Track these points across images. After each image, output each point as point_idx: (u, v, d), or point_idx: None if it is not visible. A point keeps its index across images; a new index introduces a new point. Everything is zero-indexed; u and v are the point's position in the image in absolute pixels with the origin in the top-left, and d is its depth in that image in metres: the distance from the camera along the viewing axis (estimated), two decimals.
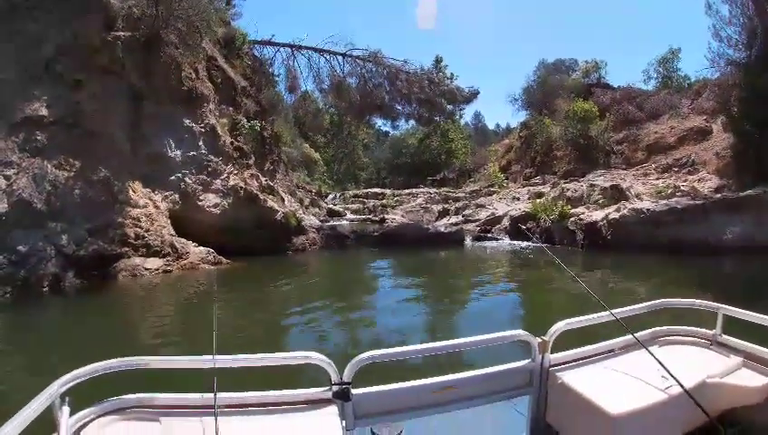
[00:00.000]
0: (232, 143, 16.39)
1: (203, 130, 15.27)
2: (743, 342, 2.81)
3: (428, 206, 30.16)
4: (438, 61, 57.66)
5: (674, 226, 13.57)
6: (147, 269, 12.06)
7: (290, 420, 2.14)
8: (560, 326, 2.64)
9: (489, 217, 20.09)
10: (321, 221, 27.83)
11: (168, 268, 12.43)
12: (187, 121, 14.92)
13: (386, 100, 24.84)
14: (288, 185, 31.79)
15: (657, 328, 3.12)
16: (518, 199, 23.87)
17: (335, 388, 2.21)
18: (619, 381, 2.55)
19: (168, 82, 14.36)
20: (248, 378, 2.81)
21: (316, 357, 2.21)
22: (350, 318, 9.25)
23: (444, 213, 25.66)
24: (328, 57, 24.77)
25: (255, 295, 11.17)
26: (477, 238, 18.35)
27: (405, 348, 2.38)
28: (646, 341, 2.92)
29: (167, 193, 14.06)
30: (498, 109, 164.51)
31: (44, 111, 11.60)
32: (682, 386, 2.06)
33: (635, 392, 2.40)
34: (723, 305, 2.90)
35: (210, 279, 12.41)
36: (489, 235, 18.71)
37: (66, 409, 1.87)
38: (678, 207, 13.85)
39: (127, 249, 12.19)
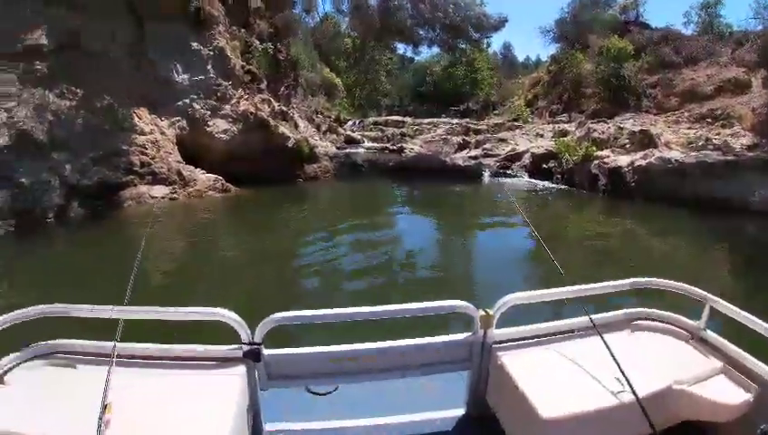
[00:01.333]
0: (243, 67, 15.86)
1: (212, 53, 14.76)
2: (728, 343, 2.32)
3: (449, 137, 29.43)
4: None
5: (700, 180, 12.84)
6: (153, 197, 11.87)
7: (196, 376, 2.02)
8: (508, 299, 2.28)
9: (510, 153, 19.40)
10: (337, 148, 27.37)
11: (175, 196, 12.24)
12: (195, 44, 14.39)
13: (408, 23, 23.69)
14: (305, 110, 31.14)
15: (630, 309, 2.65)
16: (542, 136, 23.02)
17: (245, 347, 2.06)
18: (565, 372, 2.19)
19: (174, 2, 13.72)
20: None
21: (225, 315, 2.02)
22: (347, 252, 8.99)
23: (464, 145, 24.94)
24: None
25: (258, 223, 11.07)
26: (496, 174, 17.82)
27: (324, 311, 2.12)
28: (611, 324, 2.54)
29: (173, 119, 13.73)
30: (529, 41, 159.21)
31: (44, 40, 11.21)
32: (634, 393, 1.74)
33: (580, 390, 2.04)
34: (710, 296, 2.38)
35: (217, 206, 12.11)
36: (508, 171, 18.07)
37: None
38: (708, 160, 13.05)
39: (132, 177, 11.99)
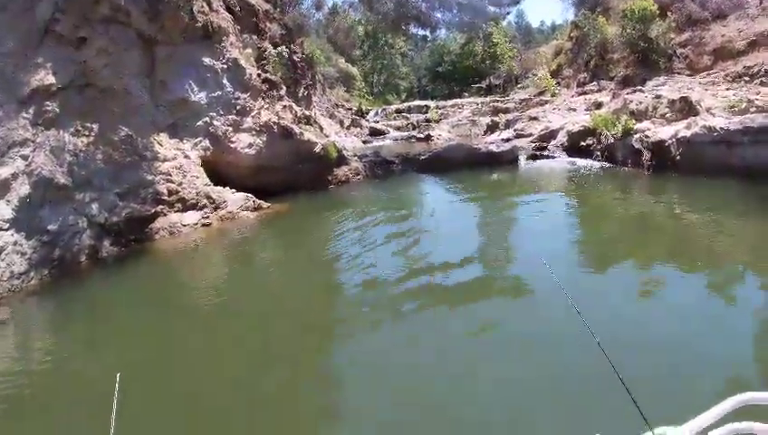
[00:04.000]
0: (259, 75, 15.42)
1: (226, 66, 14.34)
2: None
3: (476, 118, 28.93)
4: None
5: (748, 147, 12.09)
6: (185, 225, 11.57)
7: None
8: None
9: (543, 132, 18.76)
10: (363, 142, 26.98)
11: (207, 221, 11.91)
12: (207, 60, 13.97)
13: (423, 8, 22.99)
14: (326, 107, 30.84)
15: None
16: (574, 111, 22.26)
17: None
18: None
19: (179, 21, 13.28)
20: None
21: None
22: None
23: (493, 126, 24.38)
24: None
25: (297, 242, 10.84)
26: (532, 157, 17.19)
27: None
28: None
29: (195, 140, 13.36)
30: (542, 4, 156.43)
31: (51, 79, 10.76)
32: None
33: None
34: None
35: (251, 227, 11.81)
36: (545, 151, 17.49)
37: None
38: (753, 125, 12.26)
39: (162, 207, 11.68)
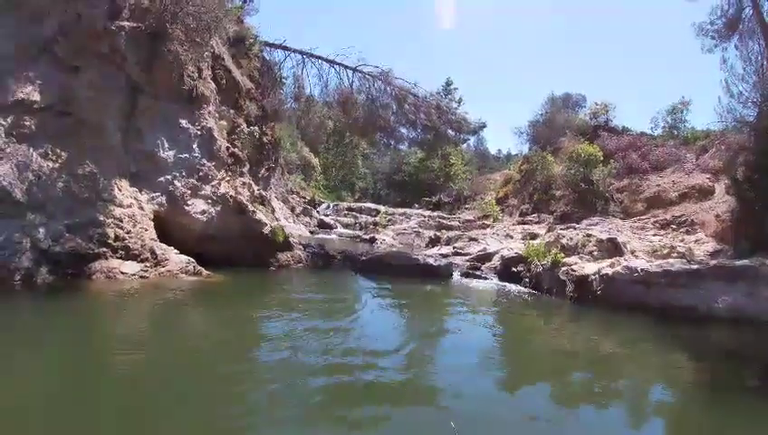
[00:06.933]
0: (228, 148, 16.01)
1: (199, 132, 14.89)
2: None
3: (420, 230, 29.95)
4: (449, 84, 58.22)
5: (665, 288, 13.14)
6: (123, 273, 11.63)
7: None
8: None
9: (480, 253, 19.67)
10: (310, 232, 27.58)
11: (145, 275, 11.99)
12: (184, 122, 14.52)
13: (391, 121, 24.44)
14: (282, 190, 31.63)
15: None
16: (511, 238, 23.52)
17: None
18: None
19: (169, 80, 13.92)
20: None
21: None
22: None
23: (435, 241, 25.36)
24: (338, 69, 24.36)
25: (225, 316, 10.85)
26: (466, 274, 17.89)
27: None
28: None
29: (153, 194, 13.65)
30: (502, 136, 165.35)
31: (36, 96, 11.15)
32: None
33: None
34: None
35: (186, 291, 11.94)
36: (478, 271, 18.27)
37: None
38: (672, 269, 13.39)
39: (105, 250, 11.77)
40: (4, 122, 10.64)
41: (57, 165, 11.31)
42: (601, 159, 27.30)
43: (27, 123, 10.94)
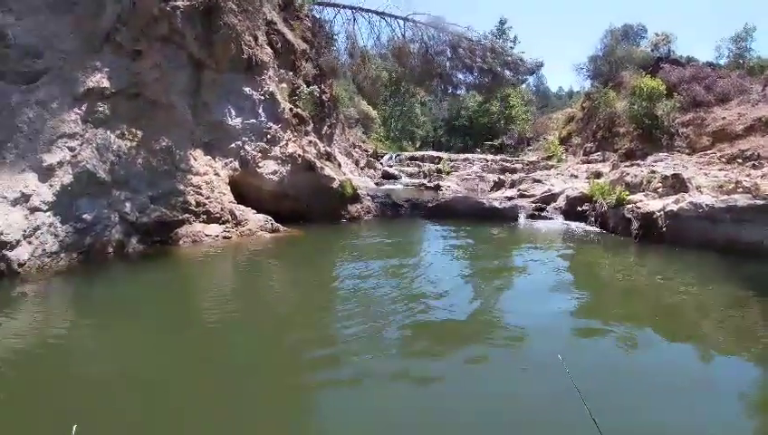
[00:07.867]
0: (291, 110, 16.52)
1: (263, 97, 15.46)
2: None
3: (484, 175, 30.13)
4: (502, 23, 56.75)
5: (731, 224, 13.10)
6: (207, 235, 12.47)
7: None
8: None
9: (545, 195, 19.80)
10: (375, 184, 28.24)
11: (228, 235, 12.81)
12: (247, 90, 15.12)
13: (447, 68, 24.52)
14: (345, 146, 32.24)
15: None
16: (576, 177, 23.35)
17: None
18: None
19: (228, 51, 14.46)
20: None
21: None
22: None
23: (499, 184, 25.47)
24: (389, 20, 24.39)
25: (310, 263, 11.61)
26: (531, 216, 18.08)
27: None
28: None
29: (226, 160, 14.39)
30: (562, 73, 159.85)
31: (106, 83, 11.74)
32: None
33: None
34: None
35: (268, 246, 12.84)
36: (544, 212, 18.52)
37: None
38: (737, 204, 13.30)
39: (188, 216, 12.59)
40: (79, 111, 11.27)
41: (134, 143, 12.05)
42: (665, 92, 26.47)
43: (101, 108, 11.57)
